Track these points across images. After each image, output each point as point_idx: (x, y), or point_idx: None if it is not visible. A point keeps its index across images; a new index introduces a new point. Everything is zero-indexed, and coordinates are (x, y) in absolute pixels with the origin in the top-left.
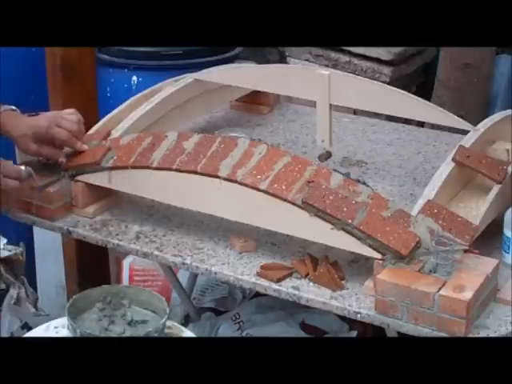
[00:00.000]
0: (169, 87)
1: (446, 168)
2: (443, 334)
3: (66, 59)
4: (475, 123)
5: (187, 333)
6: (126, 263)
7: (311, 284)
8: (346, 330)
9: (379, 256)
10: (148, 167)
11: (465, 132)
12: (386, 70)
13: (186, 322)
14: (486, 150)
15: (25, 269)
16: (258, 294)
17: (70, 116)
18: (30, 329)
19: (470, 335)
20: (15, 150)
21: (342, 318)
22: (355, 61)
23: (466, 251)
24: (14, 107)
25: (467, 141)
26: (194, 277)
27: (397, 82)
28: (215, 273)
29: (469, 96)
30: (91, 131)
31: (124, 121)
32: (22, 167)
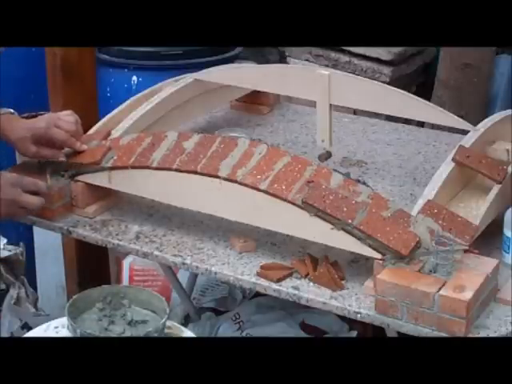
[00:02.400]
0: (169, 87)
1: (445, 168)
2: (443, 334)
3: (65, 59)
4: (475, 123)
5: (187, 333)
6: (126, 263)
7: (311, 284)
8: (346, 330)
9: (379, 256)
10: (148, 167)
11: (465, 132)
12: (386, 70)
13: (186, 322)
14: (486, 150)
15: (25, 269)
16: (258, 294)
17: (67, 117)
18: (30, 329)
19: (470, 335)
20: (15, 153)
21: (342, 318)
22: (355, 61)
23: (466, 251)
24: (11, 110)
25: (467, 141)
26: (194, 277)
27: (397, 82)
28: (215, 273)
29: (469, 96)
30: (91, 131)
31: (124, 121)
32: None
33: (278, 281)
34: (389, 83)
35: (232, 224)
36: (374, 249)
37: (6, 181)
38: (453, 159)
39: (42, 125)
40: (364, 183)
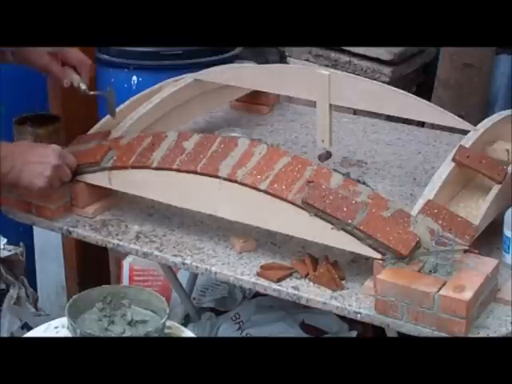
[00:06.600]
0: (169, 87)
1: (445, 168)
2: (443, 334)
3: None
4: (475, 123)
5: (187, 333)
6: (126, 263)
7: (311, 284)
8: (345, 329)
9: (379, 256)
10: (148, 167)
11: (465, 132)
12: (386, 70)
13: (186, 321)
14: (486, 150)
15: (25, 269)
16: (257, 294)
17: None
18: (30, 329)
19: (470, 335)
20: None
21: (342, 318)
22: (355, 61)
23: (465, 251)
24: None
25: (467, 141)
26: (194, 277)
27: (397, 82)
28: (215, 273)
29: (469, 96)
30: (91, 131)
31: (124, 121)
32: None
33: (278, 281)
34: (389, 83)
35: (232, 224)
36: (374, 249)
37: (56, 149)
38: (453, 159)
39: None
40: (364, 183)
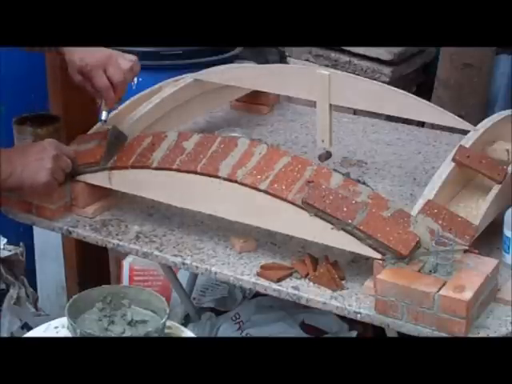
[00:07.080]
0: (169, 87)
1: (445, 168)
2: (443, 334)
3: None
4: (475, 123)
5: (187, 333)
6: (126, 263)
7: (311, 284)
8: (345, 329)
9: (379, 256)
10: (148, 167)
11: (465, 132)
12: (386, 70)
13: (186, 321)
14: (486, 150)
15: (25, 269)
16: (258, 294)
17: (123, 61)
18: (30, 329)
19: (470, 335)
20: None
21: (342, 318)
22: (355, 61)
23: (465, 251)
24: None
25: (467, 141)
26: (194, 277)
27: (397, 82)
28: (215, 273)
29: (469, 96)
30: (91, 131)
31: (124, 121)
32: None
33: (278, 281)
34: (389, 83)
35: (232, 224)
36: (374, 249)
37: (51, 142)
38: (453, 159)
39: (92, 62)
40: (364, 183)
